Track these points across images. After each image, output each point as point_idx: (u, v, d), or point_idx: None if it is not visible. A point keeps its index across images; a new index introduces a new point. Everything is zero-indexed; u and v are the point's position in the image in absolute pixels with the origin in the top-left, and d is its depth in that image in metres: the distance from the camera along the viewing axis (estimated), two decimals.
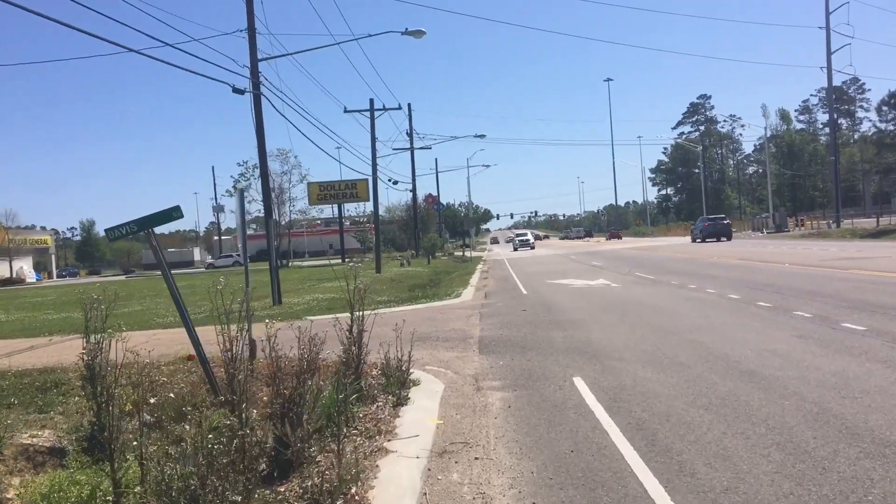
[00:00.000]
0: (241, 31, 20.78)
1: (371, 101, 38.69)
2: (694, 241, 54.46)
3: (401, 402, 7.09)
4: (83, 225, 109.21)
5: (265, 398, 6.65)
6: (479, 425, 6.26)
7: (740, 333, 9.62)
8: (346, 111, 39.74)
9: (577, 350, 9.33)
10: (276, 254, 60.07)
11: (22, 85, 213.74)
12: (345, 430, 5.97)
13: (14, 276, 70.09)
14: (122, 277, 70.87)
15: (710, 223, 54.75)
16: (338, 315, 15.02)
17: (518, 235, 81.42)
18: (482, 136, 55.10)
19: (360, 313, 7.70)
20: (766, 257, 26.40)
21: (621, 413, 6.12)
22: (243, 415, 5.42)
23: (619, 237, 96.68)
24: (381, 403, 7.08)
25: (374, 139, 38.69)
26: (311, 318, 15.93)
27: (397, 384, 7.60)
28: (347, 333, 7.51)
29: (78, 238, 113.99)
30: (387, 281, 30.03)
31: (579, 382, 7.43)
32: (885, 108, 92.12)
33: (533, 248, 71.19)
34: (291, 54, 23.19)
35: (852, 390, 6.21)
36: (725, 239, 51.30)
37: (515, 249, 71.01)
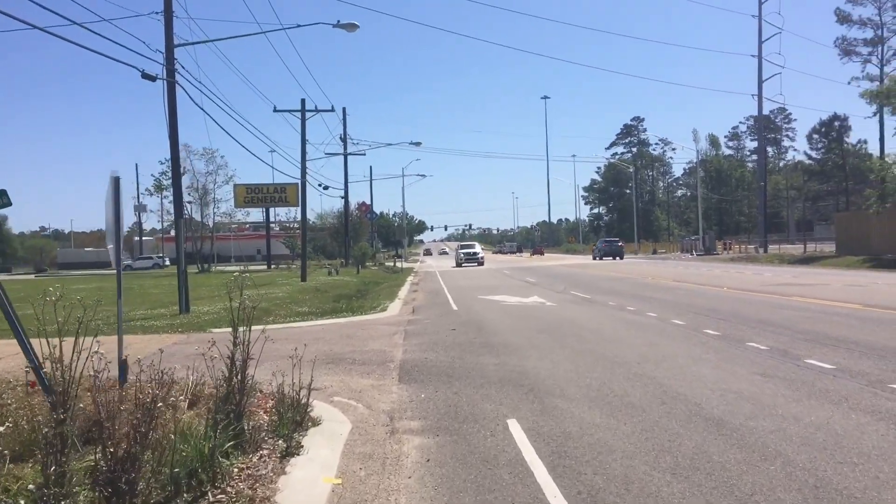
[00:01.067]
0: (158, 13, 19.00)
1: (303, 101, 37.02)
2: (594, 258, 62.36)
3: (292, 450, 5.63)
4: None
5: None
6: (388, 488, 4.86)
7: (695, 368, 8.50)
8: (275, 110, 38.00)
9: (512, 382, 8.03)
10: (198, 257, 57.44)
11: None
12: (210, 496, 4.49)
13: None
14: (32, 276, 66.68)
15: (606, 244, 65.57)
16: (256, 328, 13.46)
17: (463, 247, 62.21)
18: (418, 144, 53.81)
19: (246, 335, 6.19)
20: (702, 280, 25.84)
21: (568, 475, 4.82)
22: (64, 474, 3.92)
23: (542, 253, 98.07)
24: (266, 452, 5.60)
25: (304, 140, 36.98)
26: (217, 330, 14.26)
27: (291, 424, 6.14)
28: (227, 361, 5.99)
29: None
30: (311, 290, 28.34)
31: (515, 427, 6.11)
32: (815, 136, 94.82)
33: (482, 263, 55.10)
34: (213, 41, 21.47)
35: (847, 453, 5.06)
36: (619, 258, 59.79)
37: (459, 265, 55.55)
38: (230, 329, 12.73)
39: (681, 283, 24.28)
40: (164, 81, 18.16)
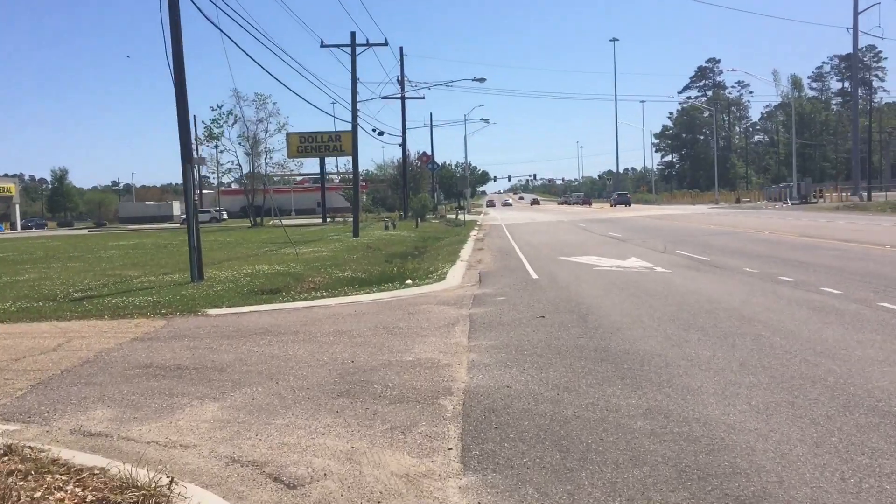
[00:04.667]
0: None
1: (352, 33, 32.74)
2: (611, 206, 78.79)
3: None
4: (55, 174, 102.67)
5: None
6: None
7: None
8: (322, 45, 33.74)
9: (699, 470, 3.79)
10: (251, 211, 54.46)
11: None
12: None
13: None
14: (85, 231, 65.03)
15: (619, 195, 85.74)
16: (259, 307, 9.47)
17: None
18: (482, 80, 48.51)
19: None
20: (838, 234, 20.81)
21: None
22: None
23: (628, 203, 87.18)
24: None
25: (354, 78, 32.73)
26: (214, 311, 10.39)
27: None
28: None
29: (50, 188, 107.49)
30: (361, 248, 24.43)
31: None
32: None
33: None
34: None
35: None
36: (626, 206, 75.77)
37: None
38: (235, 309, 8.76)
39: (813, 240, 19.35)
40: None
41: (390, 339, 7.89)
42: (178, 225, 73.05)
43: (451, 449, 4.34)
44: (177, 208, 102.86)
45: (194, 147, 78.73)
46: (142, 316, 10.10)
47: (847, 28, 74.82)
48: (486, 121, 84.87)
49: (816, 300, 9.17)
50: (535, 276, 13.85)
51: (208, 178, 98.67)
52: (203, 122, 59.09)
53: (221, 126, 54.11)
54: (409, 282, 13.98)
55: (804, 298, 9.38)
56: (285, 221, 62.78)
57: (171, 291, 12.88)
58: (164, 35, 14.13)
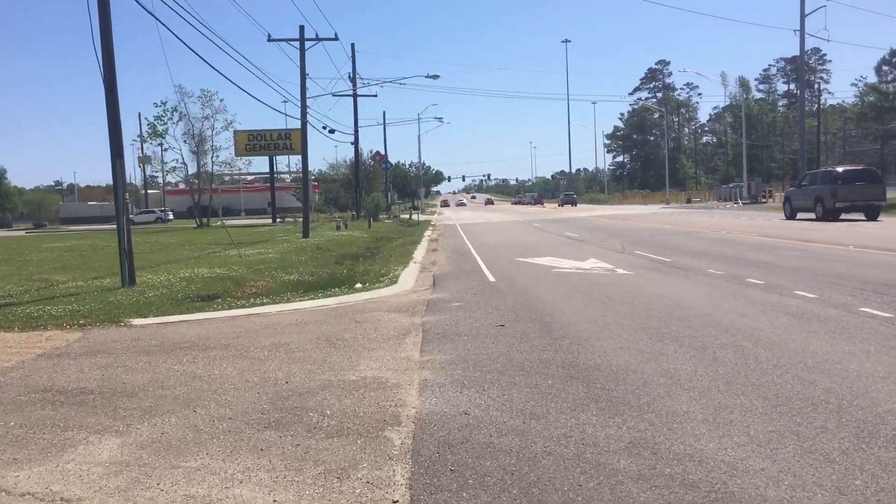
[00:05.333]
0: None
1: (301, 27, 31.80)
2: (559, 205, 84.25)
3: None
4: None
5: None
6: None
7: None
8: (269, 39, 32.61)
9: None
10: (197, 211, 52.70)
11: None
12: None
13: None
14: (22, 233, 62.32)
15: (566, 195, 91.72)
16: (190, 317, 8.52)
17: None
18: (435, 77, 47.89)
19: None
20: (795, 234, 20.57)
21: None
22: None
23: (574, 203, 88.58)
24: None
25: (303, 73, 31.70)
26: (142, 320, 9.38)
27: None
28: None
29: None
30: (311, 249, 23.45)
31: None
32: (885, 68, 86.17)
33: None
34: None
35: None
36: (572, 206, 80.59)
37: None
38: (162, 318, 7.89)
39: (773, 240, 19.04)
40: None
41: (333, 353, 7.03)
42: None
43: (396, 502, 3.52)
44: None
45: (139, 145, 76.22)
46: (56, 327, 9.05)
47: (794, 30, 76.03)
48: (440, 119, 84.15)
49: (793, 305, 8.58)
50: (492, 278, 13.10)
51: (155, 177, 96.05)
52: (146, 118, 57.02)
53: (166, 123, 52.22)
54: (358, 286, 13.12)
55: (779, 303, 8.80)
56: (234, 222, 61.10)
57: (97, 298, 11.81)
58: (89, 15, 12.98)
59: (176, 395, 5.63)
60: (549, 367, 6.03)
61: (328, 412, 5.01)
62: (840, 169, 29.68)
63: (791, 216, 30.74)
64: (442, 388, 5.53)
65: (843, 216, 27.91)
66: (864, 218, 27.44)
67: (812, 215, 28.76)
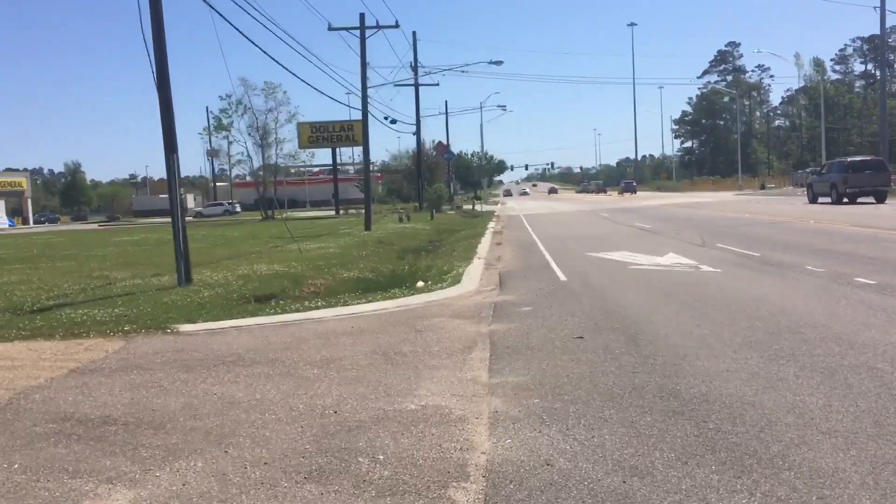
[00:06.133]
0: None
1: (362, 15, 31.04)
2: (620, 194, 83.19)
3: None
4: (68, 167, 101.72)
5: None
6: None
7: None
8: (330, 28, 32.10)
9: None
10: (262, 203, 52.99)
11: None
12: None
13: None
14: (96, 226, 63.91)
15: (626, 183, 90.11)
16: (241, 322, 7.82)
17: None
18: (499, 63, 46.60)
19: None
20: (894, 223, 18.87)
21: None
22: None
23: (634, 191, 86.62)
24: None
25: (364, 62, 31.06)
26: (190, 326, 8.76)
27: None
28: None
29: (64, 181, 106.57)
30: (372, 243, 22.81)
31: None
32: None
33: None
34: None
35: None
36: (632, 194, 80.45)
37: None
38: (212, 324, 7.22)
39: (871, 230, 17.42)
40: None
41: (390, 371, 6.18)
42: (191, 218, 71.83)
43: None
44: (191, 201, 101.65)
45: (207, 139, 77.26)
46: (99, 334, 8.47)
47: (875, 7, 72.03)
48: (503, 108, 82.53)
49: None
50: (563, 277, 12.09)
51: (224, 170, 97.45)
52: (213, 112, 57.55)
53: (231, 116, 52.50)
54: (420, 284, 12.31)
55: None
56: (299, 214, 61.26)
57: (151, 299, 11.28)
58: (139, 7, 12.43)
59: (208, 427, 4.86)
60: (645, 397, 5.04)
61: (381, 457, 4.16)
62: (850, 159, 33.84)
63: (813, 200, 34.36)
64: (517, 425, 4.61)
65: (858, 200, 31.21)
66: (874, 201, 30.71)
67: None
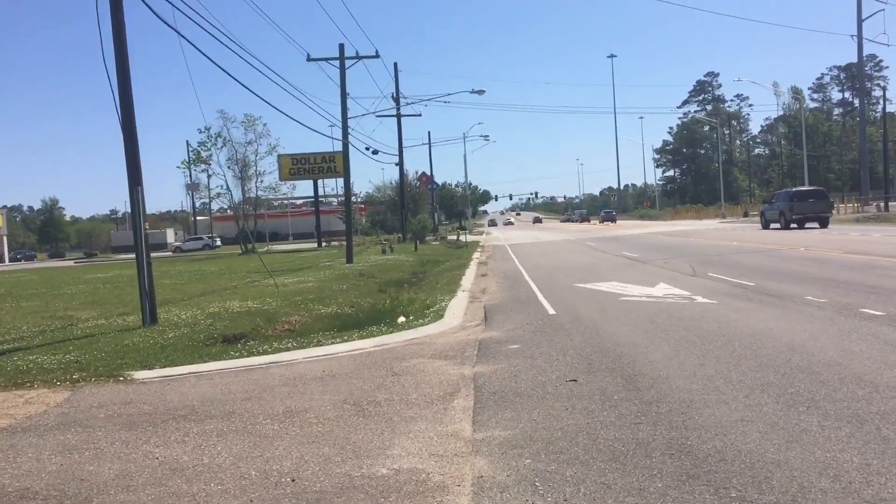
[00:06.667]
0: None
1: (341, 45, 30.73)
2: (600, 223, 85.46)
3: None
4: (45, 204, 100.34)
5: None
6: None
7: None
8: (309, 59, 31.62)
9: None
10: (242, 237, 52.03)
11: None
12: None
13: None
14: (72, 263, 62.69)
15: (606, 212, 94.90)
16: (202, 367, 7.10)
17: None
18: (481, 92, 45.98)
19: None
20: (883, 250, 18.42)
21: None
22: None
23: (614, 220, 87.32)
24: None
25: (343, 93, 30.60)
26: (145, 373, 8.00)
27: None
28: None
29: (41, 218, 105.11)
30: (353, 276, 22.12)
31: None
32: None
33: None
34: None
35: None
36: (612, 223, 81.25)
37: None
38: (169, 370, 6.50)
39: (864, 257, 16.95)
40: None
41: (360, 425, 5.47)
42: (170, 253, 70.67)
43: None
44: (171, 236, 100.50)
45: (187, 172, 76.48)
46: (45, 384, 7.69)
47: (852, 35, 72.91)
48: (486, 137, 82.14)
49: None
50: (551, 310, 11.43)
51: (206, 203, 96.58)
52: (192, 146, 56.86)
53: (209, 149, 51.84)
54: (401, 319, 11.64)
55: None
56: (281, 247, 60.41)
57: (111, 342, 10.53)
58: (99, 32, 11.80)
59: (142, 502, 4.12)
60: (652, 455, 4.36)
61: None
62: (795, 189, 38.92)
63: (765, 226, 37.55)
64: (505, 495, 3.91)
65: (805, 225, 34.60)
66: (818, 226, 34.05)
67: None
